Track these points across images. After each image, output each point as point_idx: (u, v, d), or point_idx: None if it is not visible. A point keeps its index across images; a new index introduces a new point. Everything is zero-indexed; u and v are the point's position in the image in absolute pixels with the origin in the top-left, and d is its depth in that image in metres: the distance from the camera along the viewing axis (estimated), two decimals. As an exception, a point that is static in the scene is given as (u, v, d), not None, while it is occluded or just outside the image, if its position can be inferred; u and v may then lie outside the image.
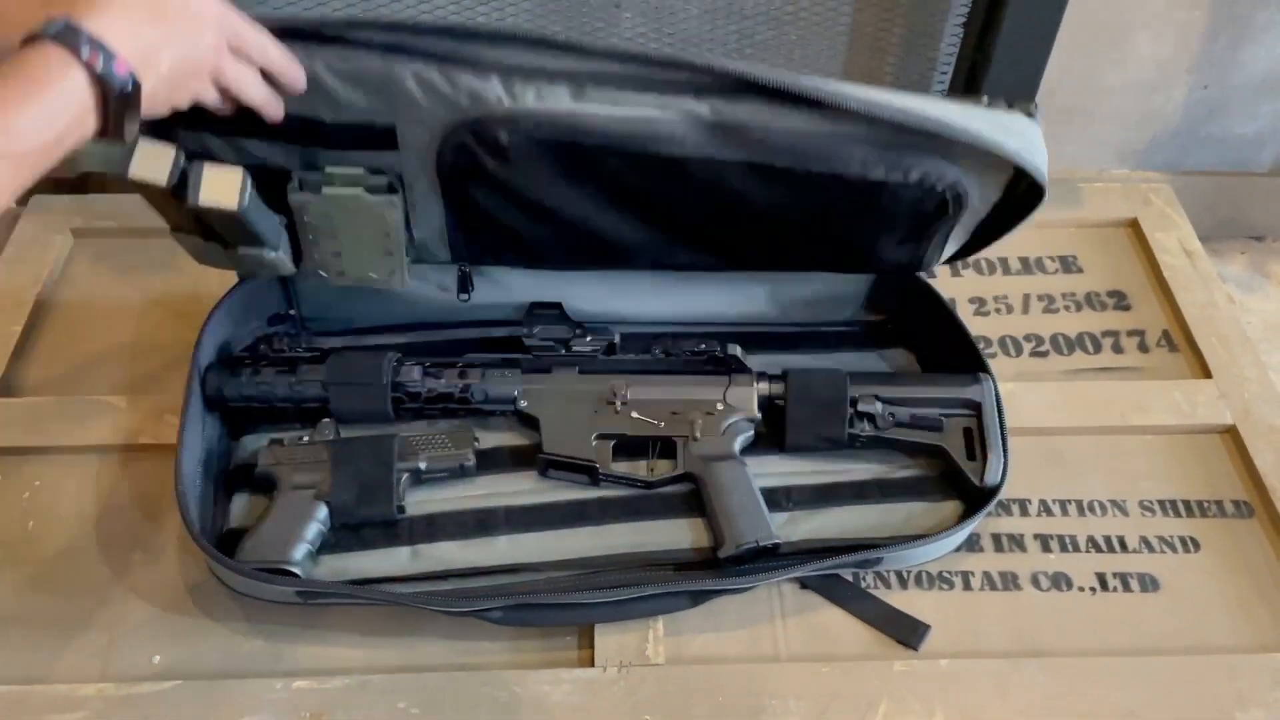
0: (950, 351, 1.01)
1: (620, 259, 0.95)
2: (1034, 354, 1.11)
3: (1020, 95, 0.90)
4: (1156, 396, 1.05)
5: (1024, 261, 1.19)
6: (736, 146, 0.82)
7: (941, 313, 1.02)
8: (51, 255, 1.15)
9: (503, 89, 0.80)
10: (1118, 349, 1.11)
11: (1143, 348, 1.11)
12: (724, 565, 0.89)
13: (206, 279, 0.97)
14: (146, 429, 0.99)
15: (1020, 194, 0.89)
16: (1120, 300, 1.16)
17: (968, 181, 0.86)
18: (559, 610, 0.85)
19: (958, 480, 0.94)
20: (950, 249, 0.96)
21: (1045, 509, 0.97)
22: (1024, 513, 0.97)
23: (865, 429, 0.94)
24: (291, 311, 1.03)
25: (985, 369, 0.97)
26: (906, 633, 0.88)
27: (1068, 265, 1.19)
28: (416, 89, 0.79)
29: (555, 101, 0.80)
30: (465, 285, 0.99)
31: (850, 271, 1.01)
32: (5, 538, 0.93)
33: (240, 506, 0.93)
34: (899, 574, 0.92)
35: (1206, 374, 1.07)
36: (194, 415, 0.92)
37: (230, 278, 0.98)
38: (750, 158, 0.83)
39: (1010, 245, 1.10)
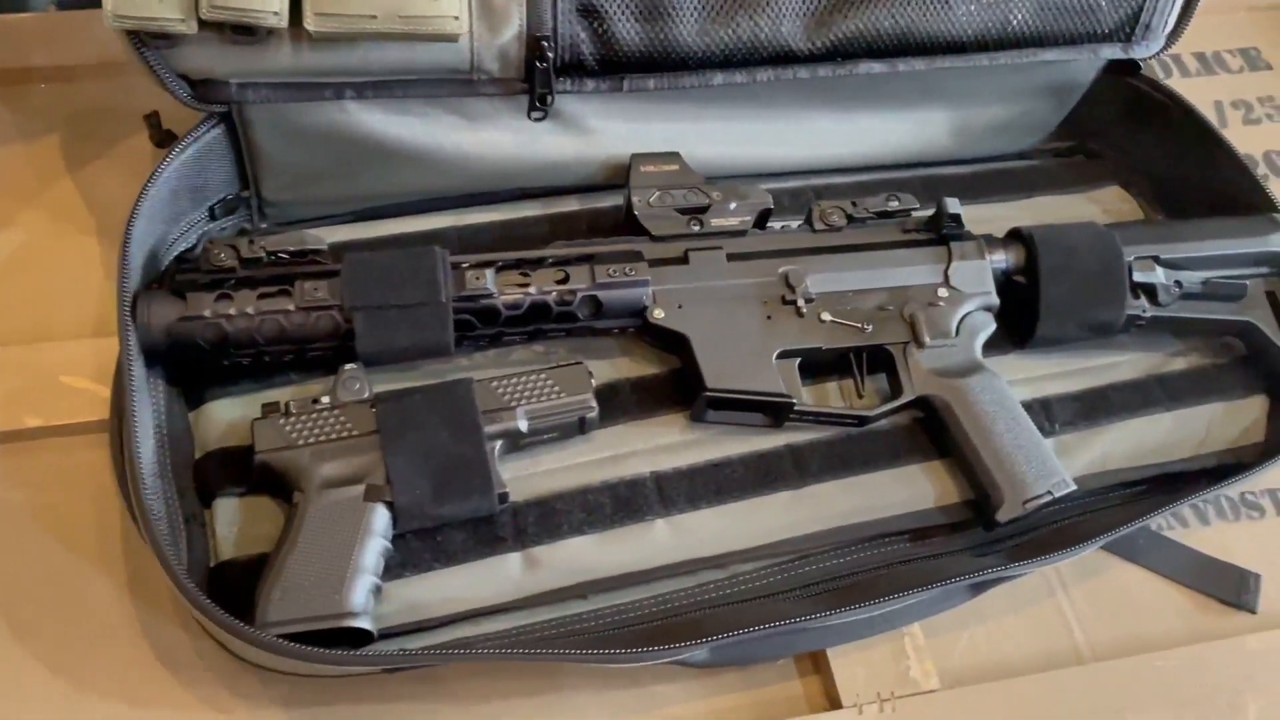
0: (1205, 187, 0.73)
1: None
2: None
3: None
4: None
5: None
6: None
7: (1189, 125, 0.74)
8: None
9: None
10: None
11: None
12: (1000, 530, 0.61)
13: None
14: (31, 401, 0.61)
15: None
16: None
17: None
18: (789, 637, 0.55)
19: (1262, 363, 0.68)
20: None
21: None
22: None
23: (1144, 308, 0.66)
24: (245, 193, 0.65)
25: (1276, 207, 0.70)
26: (1231, 588, 0.63)
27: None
28: None
29: None
30: (538, 103, 0.64)
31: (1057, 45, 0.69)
32: None
33: (228, 518, 0.58)
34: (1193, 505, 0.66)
35: None
36: (139, 373, 0.55)
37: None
38: None
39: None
